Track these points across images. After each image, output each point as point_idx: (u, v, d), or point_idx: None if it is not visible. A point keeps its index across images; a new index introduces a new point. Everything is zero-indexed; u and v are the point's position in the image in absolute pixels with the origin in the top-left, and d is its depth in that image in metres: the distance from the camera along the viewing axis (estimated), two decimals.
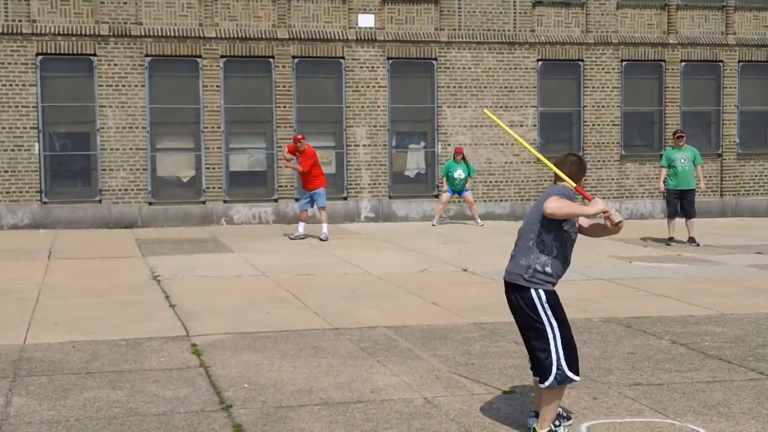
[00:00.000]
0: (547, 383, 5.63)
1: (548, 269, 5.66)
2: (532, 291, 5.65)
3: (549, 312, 5.65)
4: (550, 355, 5.62)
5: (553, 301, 5.68)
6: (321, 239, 17.24)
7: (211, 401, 6.56)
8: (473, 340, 8.62)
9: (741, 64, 23.10)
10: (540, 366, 5.68)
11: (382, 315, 9.84)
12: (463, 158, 20.23)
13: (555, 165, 5.87)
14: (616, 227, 5.72)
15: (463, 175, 20.15)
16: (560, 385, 5.65)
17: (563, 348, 5.63)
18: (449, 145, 21.47)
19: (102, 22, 19.68)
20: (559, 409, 5.85)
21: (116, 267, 13.78)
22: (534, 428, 5.79)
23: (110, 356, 7.91)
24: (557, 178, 5.86)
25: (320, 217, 17.67)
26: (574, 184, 5.74)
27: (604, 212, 5.61)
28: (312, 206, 17.67)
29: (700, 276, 12.94)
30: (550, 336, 5.63)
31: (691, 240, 16.84)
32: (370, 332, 8.93)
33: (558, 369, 5.60)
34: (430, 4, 21.37)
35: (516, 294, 5.73)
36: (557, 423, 5.78)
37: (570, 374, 5.63)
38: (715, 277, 12.80)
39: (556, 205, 5.52)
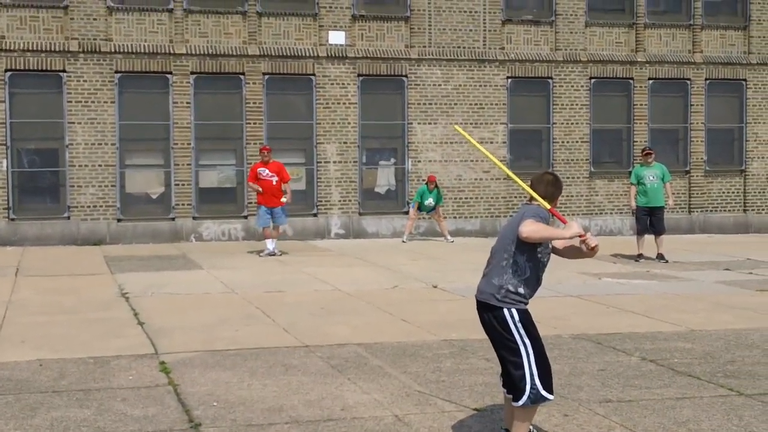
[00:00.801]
0: (521, 402, 5.61)
1: (521, 290, 5.65)
2: (505, 310, 5.63)
3: (522, 331, 5.63)
4: (525, 374, 5.59)
5: (526, 320, 5.67)
6: (276, 254, 17.41)
7: (180, 420, 6.50)
8: (444, 357, 8.61)
9: (708, 81, 23.37)
10: (514, 384, 5.66)
11: (353, 332, 9.81)
12: (436, 186, 20.33)
13: (531, 184, 5.83)
14: (592, 251, 5.71)
15: (433, 204, 20.31)
16: (534, 404, 5.64)
17: (537, 366, 5.61)
18: (419, 161, 21.52)
19: (72, 39, 19.58)
20: (530, 427, 5.85)
21: (84, 284, 13.65)
22: None
23: (78, 374, 7.82)
24: (532, 197, 5.85)
25: (273, 233, 17.73)
26: (548, 206, 5.72)
27: (580, 236, 5.59)
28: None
29: (669, 292, 13.02)
30: (524, 354, 5.61)
31: (660, 256, 16.96)
32: (340, 349, 8.90)
33: (532, 388, 5.58)
34: (400, 21, 21.46)
35: (488, 313, 5.70)
36: None
37: (544, 393, 5.61)
38: (683, 294, 12.88)
39: (532, 229, 5.48)
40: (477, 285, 5.86)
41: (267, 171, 17.47)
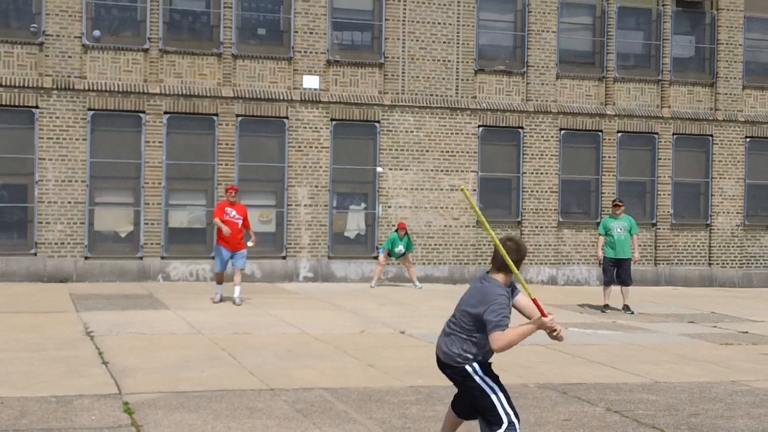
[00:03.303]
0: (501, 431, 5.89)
1: (480, 358, 5.99)
2: (467, 367, 5.96)
3: (486, 378, 5.94)
4: (498, 410, 5.89)
5: (487, 368, 5.99)
6: (236, 304, 16.14)
7: None
8: (410, 403, 8.60)
9: (675, 136, 23.73)
10: (488, 419, 5.92)
11: (319, 376, 9.79)
12: (406, 233, 20.40)
13: (491, 263, 6.10)
14: (556, 338, 5.94)
15: (403, 251, 20.35)
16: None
17: (507, 402, 5.93)
18: (390, 207, 21.62)
19: (46, 75, 19.57)
20: None
21: (49, 321, 13.52)
22: None
23: (39, 413, 7.73)
24: (495, 267, 6.02)
25: (236, 279, 16.49)
26: (531, 295, 5.91)
27: (552, 329, 5.83)
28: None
29: (635, 343, 13.11)
30: (494, 397, 5.91)
31: (626, 308, 17.09)
32: (306, 393, 8.87)
33: (510, 425, 5.88)
34: (374, 67, 21.66)
35: (449, 369, 6.02)
36: None
37: (515, 421, 5.92)
38: (648, 345, 12.98)
39: (504, 343, 5.74)
40: (438, 338, 6.09)
41: (234, 212, 16.36)
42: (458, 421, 6.39)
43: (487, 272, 6.12)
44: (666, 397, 9.25)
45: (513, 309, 6.07)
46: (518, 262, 6.00)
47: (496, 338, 5.74)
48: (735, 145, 24.19)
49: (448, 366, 6.00)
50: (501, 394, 5.92)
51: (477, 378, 5.92)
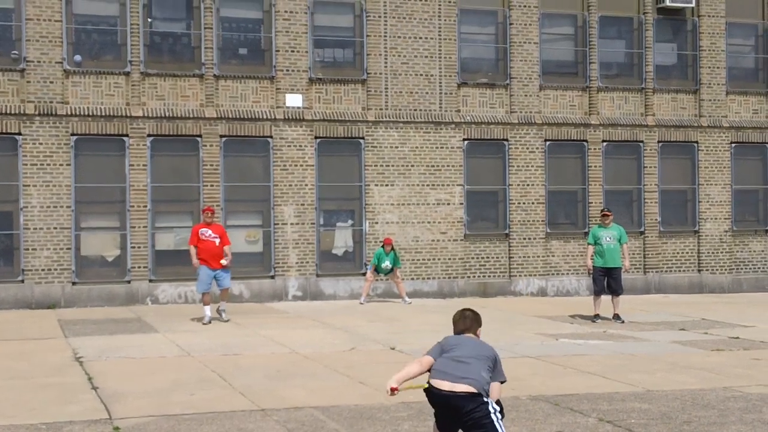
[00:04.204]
0: None
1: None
2: (488, 399, 6.11)
3: (499, 416, 6.12)
4: None
5: (499, 405, 6.24)
6: (223, 320, 16.69)
7: None
8: (401, 419, 8.55)
9: (660, 144, 23.79)
10: None
11: (309, 395, 9.73)
12: (392, 248, 20.37)
13: (475, 327, 6.58)
14: None
15: (390, 267, 20.31)
16: None
17: None
18: (377, 223, 21.58)
19: (27, 101, 19.50)
20: None
21: (37, 348, 13.42)
22: None
23: None
24: (467, 332, 6.52)
25: (221, 296, 17.03)
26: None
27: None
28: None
29: (626, 353, 13.09)
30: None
31: (616, 317, 17.07)
32: (296, 413, 8.81)
33: None
34: (357, 84, 21.67)
35: (471, 402, 6.02)
36: None
37: None
38: (640, 354, 12.95)
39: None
40: (441, 374, 6.18)
41: (210, 232, 16.75)
42: None
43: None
44: (658, 406, 9.22)
45: None
46: (474, 331, 6.57)
47: (499, 391, 6.24)
48: (720, 150, 24.26)
49: (474, 398, 6.02)
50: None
51: (494, 417, 6.06)
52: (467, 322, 6.54)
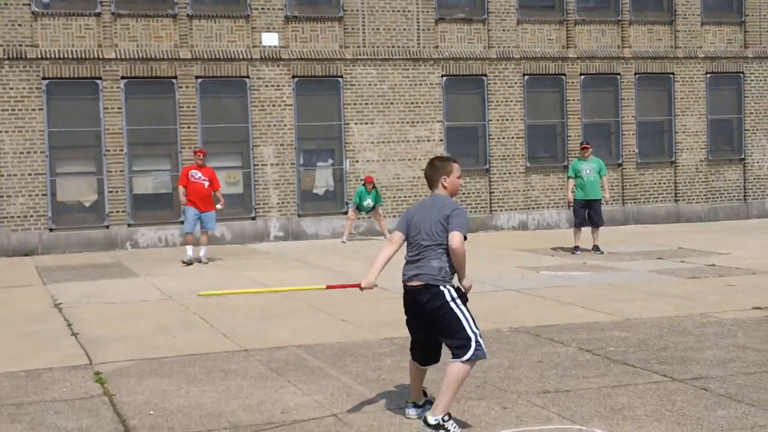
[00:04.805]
0: (468, 355, 5.95)
1: (450, 271, 6.15)
2: (443, 288, 6.06)
3: (459, 302, 6.07)
4: (468, 334, 5.98)
5: (459, 292, 6.14)
6: (202, 262, 16.77)
7: (115, 430, 6.39)
8: (384, 355, 8.60)
9: (637, 76, 23.73)
10: (458, 344, 6.00)
11: (293, 334, 9.76)
12: (374, 187, 20.33)
13: (438, 174, 6.46)
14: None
15: (371, 204, 20.30)
16: (478, 358, 6.02)
17: (476, 327, 6.05)
18: (357, 161, 21.51)
19: None
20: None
21: (16, 296, 13.38)
22: (425, 417, 6.07)
23: (9, 388, 7.65)
24: (434, 183, 6.46)
25: (203, 240, 17.14)
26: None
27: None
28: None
29: (605, 283, 13.19)
30: (464, 320, 6.02)
31: (596, 248, 17.18)
32: (280, 352, 8.85)
33: (477, 343, 5.98)
34: (334, 21, 21.41)
35: (425, 294, 6.07)
36: (446, 418, 6.00)
37: (485, 350, 6.06)
38: (618, 284, 13.06)
39: (463, 251, 6.06)
40: (404, 273, 6.26)
41: (200, 174, 16.84)
42: (423, 370, 6.48)
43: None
44: (636, 334, 9.32)
45: None
46: (438, 180, 6.46)
47: (459, 238, 6.00)
48: (696, 81, 24.23)
49: (425, 289, 6.04)
50: (469, 316, 6.05)
51: (452, 304, 6.02)
52: (429, 171, 6.54)
